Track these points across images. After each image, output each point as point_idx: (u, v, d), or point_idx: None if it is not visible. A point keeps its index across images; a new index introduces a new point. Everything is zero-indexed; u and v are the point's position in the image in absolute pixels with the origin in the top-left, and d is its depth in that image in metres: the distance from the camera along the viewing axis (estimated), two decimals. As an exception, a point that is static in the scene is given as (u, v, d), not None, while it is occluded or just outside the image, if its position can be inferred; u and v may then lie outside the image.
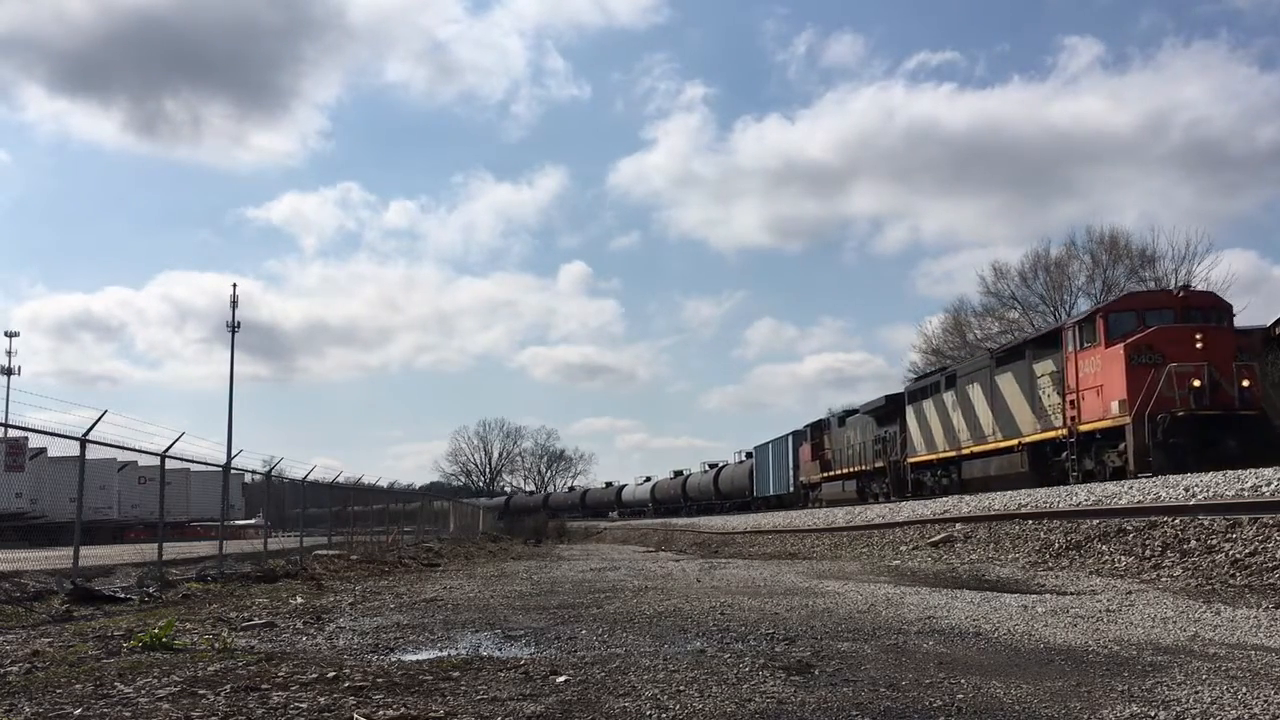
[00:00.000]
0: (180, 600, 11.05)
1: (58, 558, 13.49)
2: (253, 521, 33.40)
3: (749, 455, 52.72)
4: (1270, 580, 8.97)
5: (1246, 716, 4.03)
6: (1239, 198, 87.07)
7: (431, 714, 4.34)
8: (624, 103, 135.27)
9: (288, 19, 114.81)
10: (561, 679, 5.10)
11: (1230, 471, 13.18)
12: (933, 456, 26.48)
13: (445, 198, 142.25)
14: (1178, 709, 4.14)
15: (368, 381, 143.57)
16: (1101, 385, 18.00)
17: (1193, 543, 10.60)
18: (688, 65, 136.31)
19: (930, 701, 4.38)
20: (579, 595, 10.61)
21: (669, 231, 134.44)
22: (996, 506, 16.62)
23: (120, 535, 32.73)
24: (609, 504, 74.65)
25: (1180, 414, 16.37)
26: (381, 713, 4.38)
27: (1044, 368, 20.43)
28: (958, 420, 24.82)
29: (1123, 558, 11.33)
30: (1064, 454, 19.40)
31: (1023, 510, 15.08)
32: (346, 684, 5.04)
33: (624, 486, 74.65)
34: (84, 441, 11.75)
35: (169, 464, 14.84)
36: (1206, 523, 10.75)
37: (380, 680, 5.16)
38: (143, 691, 4.96)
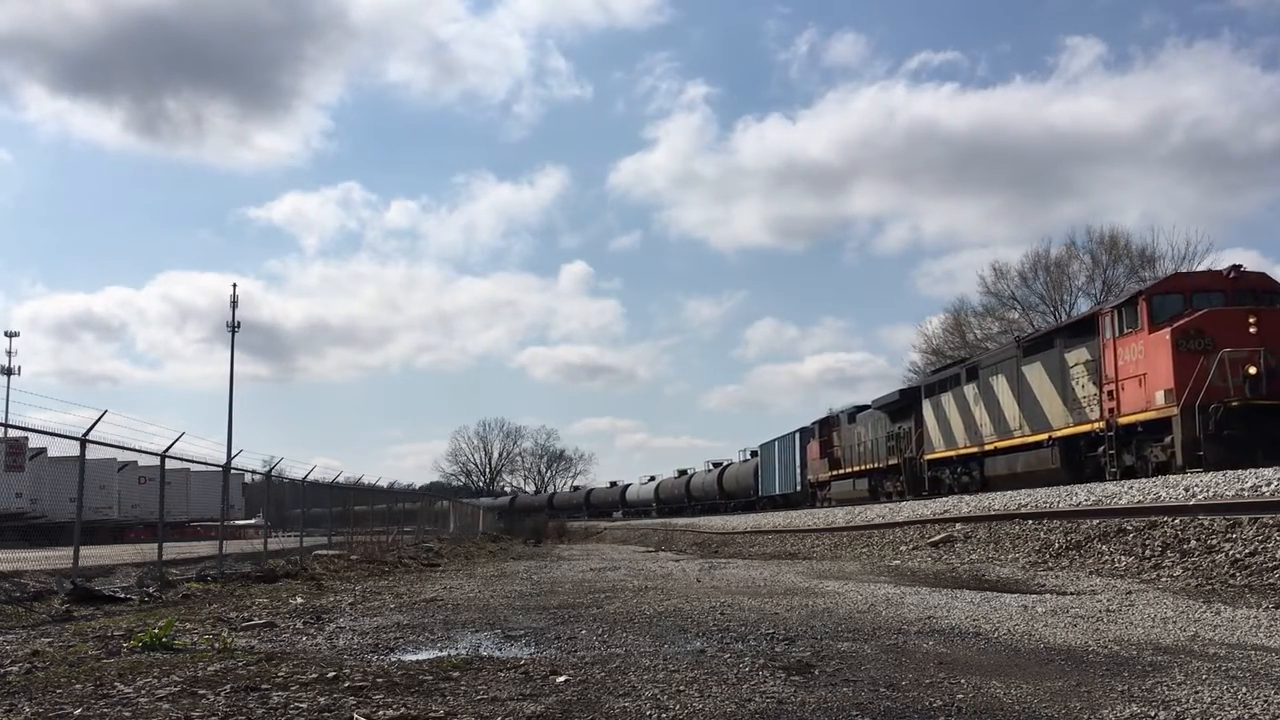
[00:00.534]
0: (180, 600, 11.04)
1: (58, 558, 13.49)
2: (253, 521, 33.39)
3: (754, 454, 51.66)
4: (1270, 580, 8.97)
5: (1246, 716, 4.03)
6: (1241, 198, 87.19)
7: (431, 714, 4.34)
8: (625, 102, 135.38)
9: (289, 19, 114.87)
10: (561, 679, 5.10)
11: (1230, 471, 13.18)
12: (952, 453, 25.26)
13: (446, 198, 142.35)
14: (1178, 709, 4.14)
15: (368, 381, 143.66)
16: (1144, 374, 16.75)
17: (1193, 543, 10.60)
18: (689, 65, 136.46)
19: (930, 701, 4.38)
20: (579, 595, 10.61)
21: (670, 231, 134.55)
22: (996, 506, 16.62)
23: (120, 535, 32.72)
24: (613, 504, 74.11)
25: (1234, 404, 15.16)
26: (381, 713, 4.38)
27: (1077, 356, 19.19)
28: (980, 414, 23.61)
29: (1123, 558, 11.33)
30: (1100, 449, 18.14)
31: (1023, 510, 15.08)
32: (346, 684, 5.04)
33: (628, 486, 74.02)
34: (84, 441, 11.75)
35: (169, 464, 14.83)
36: (1206, 523, 10.75)
37: (380, 680, 5.16)
38: (143, 691, 4.96)
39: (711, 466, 59.88)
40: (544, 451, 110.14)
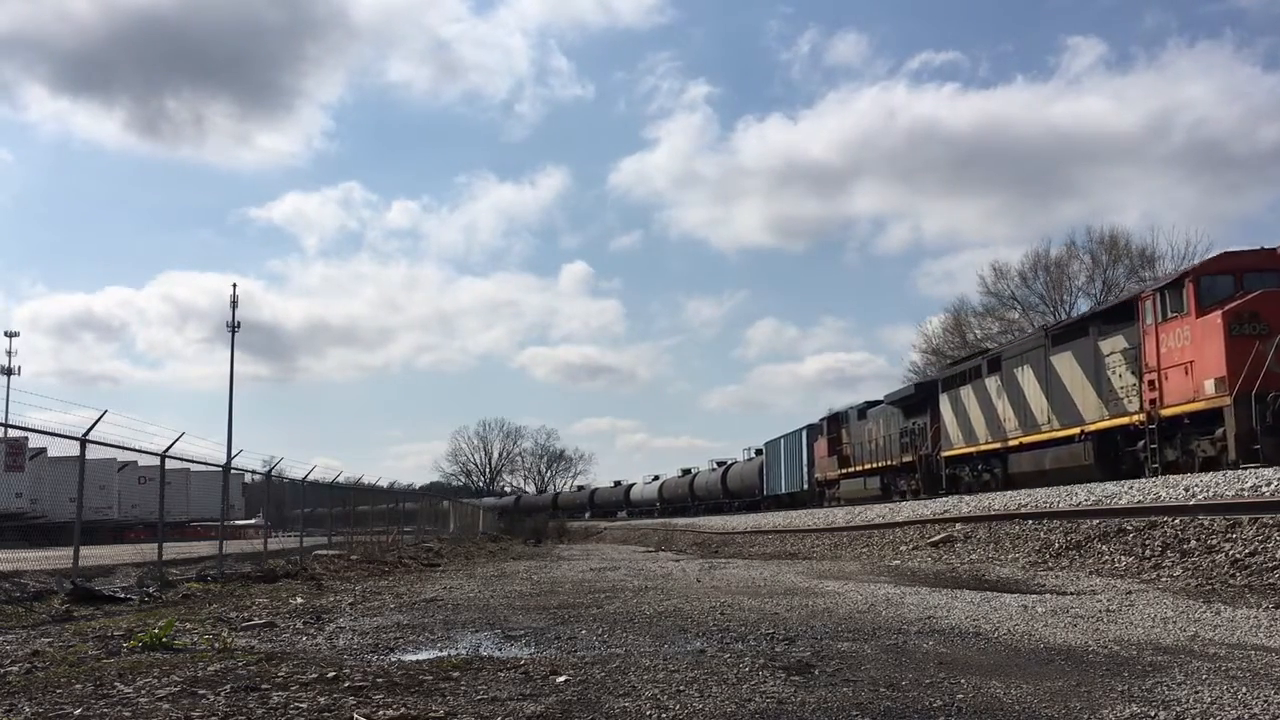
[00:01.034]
0: (180, 600, 11.05)
1: (58, 558, 13.49)
2: (253, 521, 33.41)
3: (758, 452, 50.79)
4: (1270, 580, 8.96)
5: (1246, 716, 4.03)
6: (1242, 198, 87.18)
7: (431, 714, 4.33)
8: (626, 102, 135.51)
9: (291, 18, 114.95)
10: (561, 679, 5.09)
11: (1230, 472, 13.17)
12: (971, 449, 24.06)
13: (448, 197, 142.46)
14: (1178, 709, 4.14)
15: (368, 381, 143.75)
16: (1191, 361, 15.57)
17: (1193, 543, 10.60)
18: (691, 65, 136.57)
19: (930, 701, 4.38)
20: (579, 595, 10.61)
21: (670, 231, 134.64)
22: (996, 507, 16.62)
23: (120, 535, 32.72)
24: (617, 503, 73.70)
25: None
26: (381, 713, 4.38)
27: (1113, 344, 18.00)
28: (1003, 408, 22.38)
29: (1123, 558, 11.33)
30: (1140, 443, 16.88)
31: (1023, 510, 15.08)
32: (346, 684, 5.04)
33: (632, 486, 73.58)
34: (84, 441, 11.76)
35: (169, 464, 14.84)
36: (1206, 523, 10.75)
37: (380, 680, 5.16)
38: (143, 691, 4.96)
39: (715, 465, 59.05)
40: (544, 451, 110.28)
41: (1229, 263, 16.20)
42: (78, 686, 5.14)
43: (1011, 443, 21.88)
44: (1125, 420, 17.52)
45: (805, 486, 40.22)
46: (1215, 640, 6.06)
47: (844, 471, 34.71)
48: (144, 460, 19.92)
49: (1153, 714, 4.07)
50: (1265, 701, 4.25)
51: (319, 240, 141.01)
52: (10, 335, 60.34)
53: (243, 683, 5.13)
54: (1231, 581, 9.29)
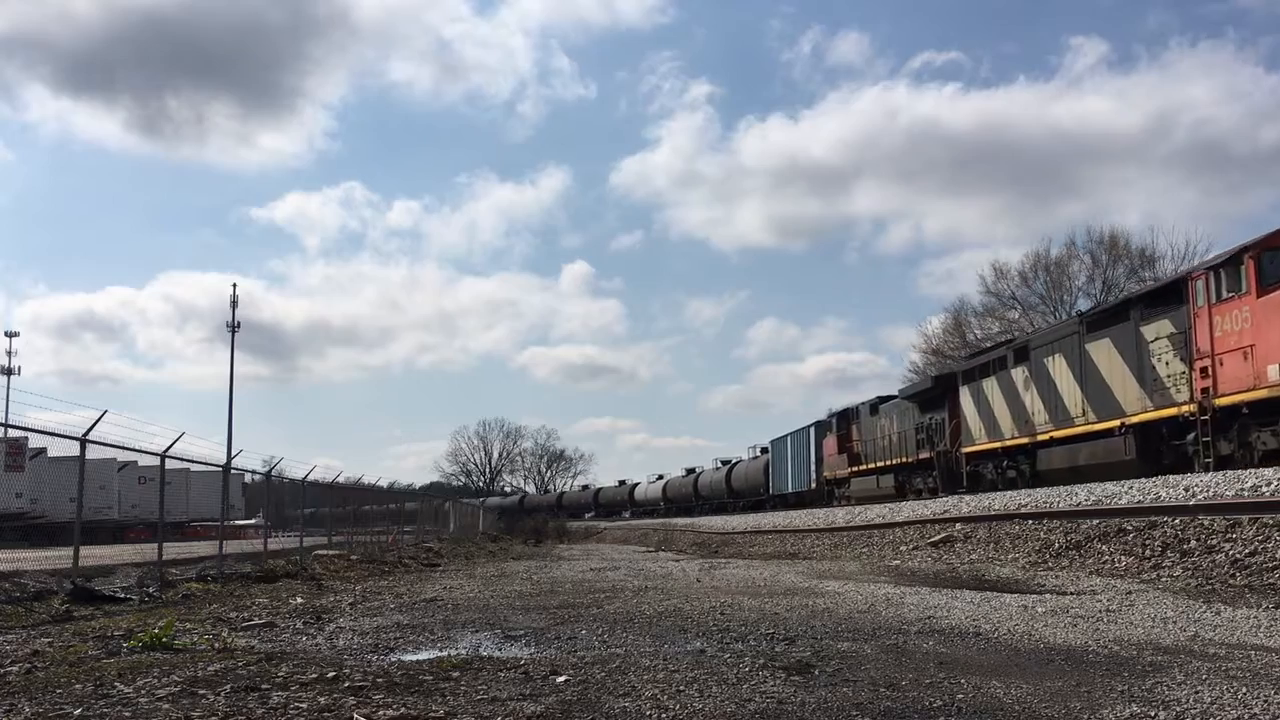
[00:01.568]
0: (180, 600, 11.05)
1: (58, 558, 13.47)
2: (253, 521, 33.40)
3: (763, 451, 49.58)
4: (1270, 580, 8.96)
5: (1246, 716, 4.03)
6: (1243, 197, 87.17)
7: (431, 714, 4.33)
8: (627, 102, 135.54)
9: (292, 18, 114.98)
10: (561, 679, 5.09)
11: (1230, 472, 13.16)
12: (995, 445, 22.69)
13: (449, 197, 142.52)
14: (1178, 709, 4.14)
15: (369, 381, 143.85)
16: (1251, 345, 14.30)
17: (1193, 543, 10.60)
18: (692, 64, 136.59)
19: (930, 701, 4.38)
20: (579, 595, 10.61)
21: (671, 231, 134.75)
22: (996, 507, 16.62)
23: (120, 535, 32.71)
24: (622, 503, 73.17)
25: None
26: (381, 713, 4.38)
27: (1158, 329, 16.60)
28: (1031, 400, 21.08)
29: (1123, 558, 11.33)
30: (1190, 435, 15.63)
31: (1023, 510, 15.07)
32: (346, 684, 5.04)
33: (636, 485, 72.96)
34: (84, 441, 11.75)
35: (169, 464, 14.83)
36: (1206, 523, 10.75)
37: (380, 680, 5.16)
38: (143, 691, 4.96)
39: (720, 465, 58.02)
40: (544, 451, 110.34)
41: None
42: (78, 686, 5.14)
43: (1041, 437, 20.60)
44: (1172, 411, 16.13)
45: (813, 485, 39.21)
46: (1215, 640, 6.06)
47: (854, 470, 33.63)
48: (144, 460, 19.90)
49: (1153, 714, 4.07)
50: (1265, 701, 4.25)
51: (320, 240, 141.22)
52: (10, 335, 60.36)
53: (243, 683, 5.12)
54: (1231, 581, 9.29)
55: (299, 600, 10.92)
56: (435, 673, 5.37)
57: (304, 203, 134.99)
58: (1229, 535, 10.24)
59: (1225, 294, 15.01)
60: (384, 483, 36.28)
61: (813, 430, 39.72)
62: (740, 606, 8.72)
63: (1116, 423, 17.71)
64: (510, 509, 75.34)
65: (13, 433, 19.20)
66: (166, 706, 4.59)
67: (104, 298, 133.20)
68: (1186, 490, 12.51)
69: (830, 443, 36.69)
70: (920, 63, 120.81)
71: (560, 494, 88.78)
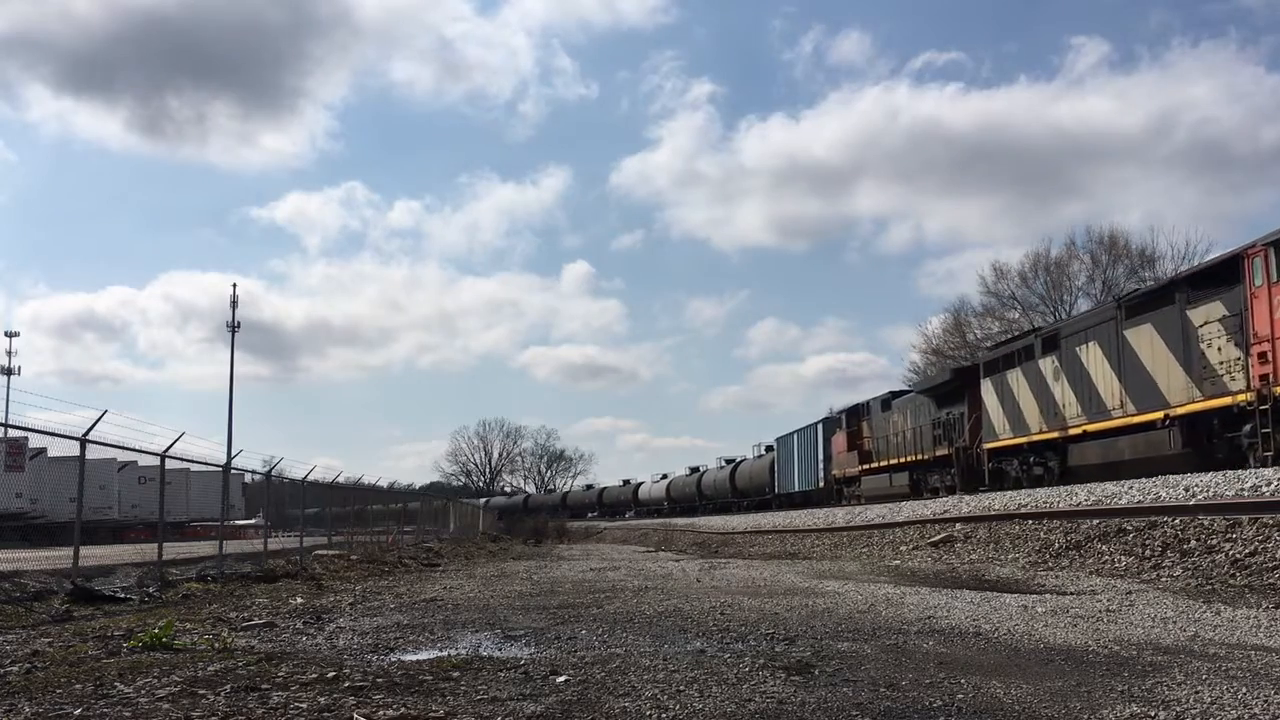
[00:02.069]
0: (180, 600, 11.05)
1: (58, 558, 13.48)
2: (253, 521, 33.40)
3: (768, 449, 48.64)
4: (1270, 580, 8.96)
5: (1246, 716, 4.03)
6: (1245, 197, 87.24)
7: (431, 714, 4.33)
8: (629, 101, 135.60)
9: (294, 18, 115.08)
10: (561, 679, 5.09)
11: (1230, 472, 13.16)
12: (1021, 440, 21.51)
13: (450, 197, 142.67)
14: (1178, 709, 4.14)
15: (369, 381, 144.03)
16: None
17: (1193, 543, 10.60)
18: (694, 64, 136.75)
19: (930, 701, 4.37)
20: (579, 595, 10.61)
21: (672, 231, 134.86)
22: (996, 507, 16.62)
23: (120, 535, 32.73)
24: (626, 503, 72.68)
25: None
26: (381, 713, 4.38)
27: (1207, 312, 15.39)
28: (1061, 392, 19.88)
29: (1123, 558, 11.33)
30: (1246, 427, 14.53)
31: (1023, 510, 15.08)
32: (346, 684, 5.04)
33: (640, 484, 72.49)
34: (84, 441, 11.75)
35: (169, 464, 14.83)
36: (1206, 523, 10.75)
37: (380, 680, 5.16)
38: (143, 691, 4.96)
39: (724, 463, 56.87)
40: (544, 451, 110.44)
41: None
42: (78, 686, 5.14)
43: (1073, 431, 19.37)
44: (1225, 401, 14.98)
45: (821, 484, 38.19)
46: (1215, 640, 6.06)
47: (865, 468, 32.49)
48: (144, 460, 19.90)
49: (1153, 714, 4.07)
50: (1265, 701, 4.25)
51: (321, 240, 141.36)
52: (10, 335, 60.40)
53: (243, 683, 5.12)
54: (1231, 581, 9.29)
55: (299, 600, 10.92)
56: (435, 673, 5.37)
57: (305, 203, 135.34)
58: (1229, 535, 10.24)
59: None
60: (384, 483, 36.24)
61: (821, 427, 38.71)
62: (740, 606, 8.72)
63: (1160, 414, 16.43)
64: (514, 509, 75.26)
65: (13, 433, 19.20)
66: (166, 706, 4.59)
67: (104, 297, 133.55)
68: (1186, 490, 12.51)
69: (839, 440, 35.65)
70: (921, 62, 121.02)
71: (565, 494, 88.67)
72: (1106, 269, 45.87)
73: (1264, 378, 14.07)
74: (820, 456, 38.34)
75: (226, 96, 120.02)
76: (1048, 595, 9.28)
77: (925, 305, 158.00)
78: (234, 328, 48.79)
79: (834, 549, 19.49)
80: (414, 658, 6.11)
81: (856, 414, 34.70)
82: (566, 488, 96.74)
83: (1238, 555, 9.77)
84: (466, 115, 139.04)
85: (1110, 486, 15.06)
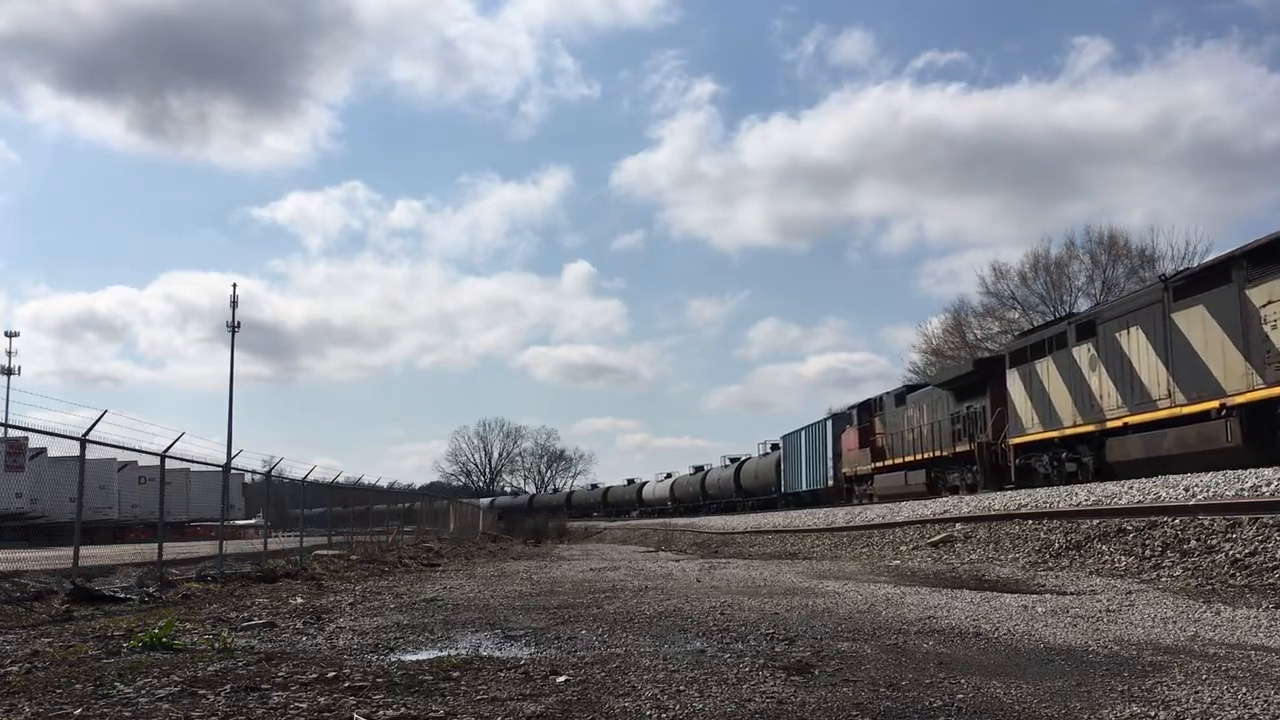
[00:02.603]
0: (180, 600, 11.04)
1: (58, 558, 13.48)
2: (253, 521, 33.42)
3: (774, 447, 47.13)
4: (1270, 580, 8.96)
5: (1246, 716, 4.03)
6: (1246, 197, 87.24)
7: (431, 714, 4.33)
8: (630, 101, 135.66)
9: (295, 18, 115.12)
10: (561, 679, 5.09)
11: (1230, 472, 13.15)
12: (1053, 434, 20.19)
13: (451, 197, 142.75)
14: (1178, 709, 4.14)
15: (370, 382, 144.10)
16: None
17: (1193, 543, 10.60)
18: (695, 63, 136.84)
19: (930, 701, 4.37)
20: (579, 595, 10.61)
21: (673, 231, 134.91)
22: (996, 507, 16.62)
23: (120, 535, 32.73)
24: (630, 502, 71.89)
25: None
26: (381, 713, 4.38)
27: (1270, 291, 14.01)
28: (1099, 383, 18.49)
29: (1123, 558, 11.33)
30: None
31: (1023, 510, 15.08)
32: (346, 684, 5.04)
33: (645, 484, 71.50)
34: (84, 441, 11.75)
35: (169, 464, 14.84)
36: (1206, 523, 10.75)
37: (380, 680, 5.16)
38: (143, 691, 4.96)
39: (728, 462, 55.32)
40: (544, 451, 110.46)
41: None
42: (78, 686, 5.14)
43: (1111, 424, 17.98)
44: None
45: (830, 483, 36.91)
46: (1215, 640, 6.06)
47: (878, 465, 31.21)
48: (144, 460, 19.91)
49: (1153, 714, 4.07)
50: (1265, 701, 4.25)
51: (322, 240, 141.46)
52: (10, 335, 60.44)
53: (243, 683, 5.12)
54: (1231, 581, 9.29)
55: (299, 600, 10.92)
56: (435, 673, 5.37)
57: (306, 202, 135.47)
58: (1229, 535, 10.24)
59: None
60: (384, 483, 36.26)
61: (830, 423, 37.51)
62: (740, 606, 8.71)
63: (1214, 404, 15.08)
64: (519, 508, 75.16)
65: (13, 433, 19.20)
66: (166, 706, 4.59)
67: (105, 297, 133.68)
68: (1186, 490, 12.51)
69: (850, 436, 34.32)
70: (923, 62, 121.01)
71: (570, 493, 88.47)
72: (1106, 269, 45.91)
73: None
74: (829, 454, 37.10)
75: (228, 96, 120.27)
76: (1048, 595, 9.28)
77: (926, 305, 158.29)
78: (234, 328, 48.87)
79: (834, 549, 19.49)
80: (414, 658, 6.11)
81: (868, 409, 33.36)
82: (571, 487, 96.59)
83: (1238, 555, 9.77)
84: (468, 115, 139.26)
85: (1110, 486, 15.05)
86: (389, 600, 10.77)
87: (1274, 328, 14.00)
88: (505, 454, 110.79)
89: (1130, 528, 11.84)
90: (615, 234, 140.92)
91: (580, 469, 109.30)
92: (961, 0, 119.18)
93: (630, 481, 76.92)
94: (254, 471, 22.36)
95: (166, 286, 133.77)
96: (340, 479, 25.83)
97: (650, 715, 4.26)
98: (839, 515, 25.04)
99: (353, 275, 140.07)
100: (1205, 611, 7.44)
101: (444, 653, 6.28)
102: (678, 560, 20.29)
